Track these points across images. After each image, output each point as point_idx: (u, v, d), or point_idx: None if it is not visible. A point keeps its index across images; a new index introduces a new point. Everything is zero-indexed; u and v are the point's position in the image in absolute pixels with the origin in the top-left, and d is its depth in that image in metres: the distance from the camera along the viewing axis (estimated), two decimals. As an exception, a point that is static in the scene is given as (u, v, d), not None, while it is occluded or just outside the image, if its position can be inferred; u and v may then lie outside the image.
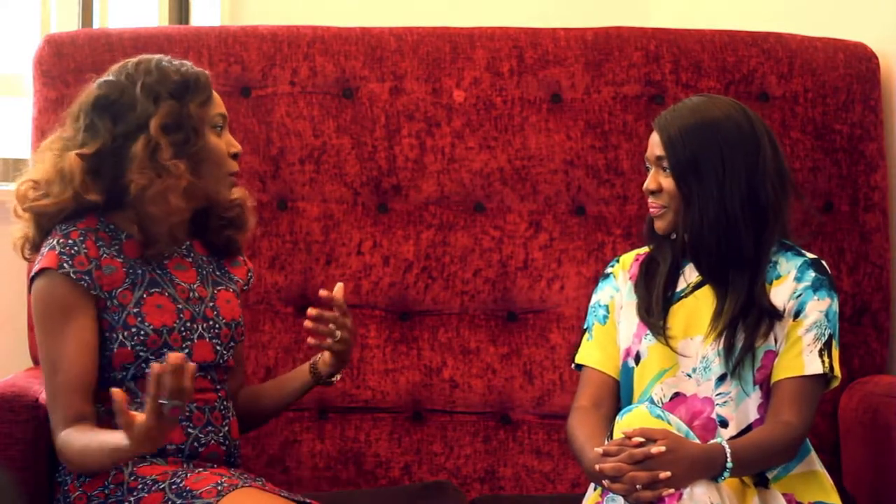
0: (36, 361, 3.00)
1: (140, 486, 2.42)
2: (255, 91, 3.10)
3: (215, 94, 2.58)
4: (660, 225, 2.61)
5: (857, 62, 3.14)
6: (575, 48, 3.14)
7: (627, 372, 2.63)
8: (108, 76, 2.54)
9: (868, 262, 3.11)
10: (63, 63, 3.05)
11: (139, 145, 2.47)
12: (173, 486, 2.40)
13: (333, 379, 2.66)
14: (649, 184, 2.60)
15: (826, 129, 3.13)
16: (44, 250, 2.50)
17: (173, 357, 2.16)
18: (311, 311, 2.54)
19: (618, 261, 2.73)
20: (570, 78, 3.13)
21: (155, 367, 2.17)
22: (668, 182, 2.58)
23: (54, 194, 2.50)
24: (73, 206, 2.51)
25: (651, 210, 2.62)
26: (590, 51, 3.14)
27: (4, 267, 3.16)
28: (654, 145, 2.60)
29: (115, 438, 2.28)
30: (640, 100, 3.13)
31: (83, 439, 2.40)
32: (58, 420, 2.46)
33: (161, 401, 2.17)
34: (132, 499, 2.41)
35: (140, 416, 2.20)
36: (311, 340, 2.57)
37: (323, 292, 2.55)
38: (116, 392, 2.17)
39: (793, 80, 3.14)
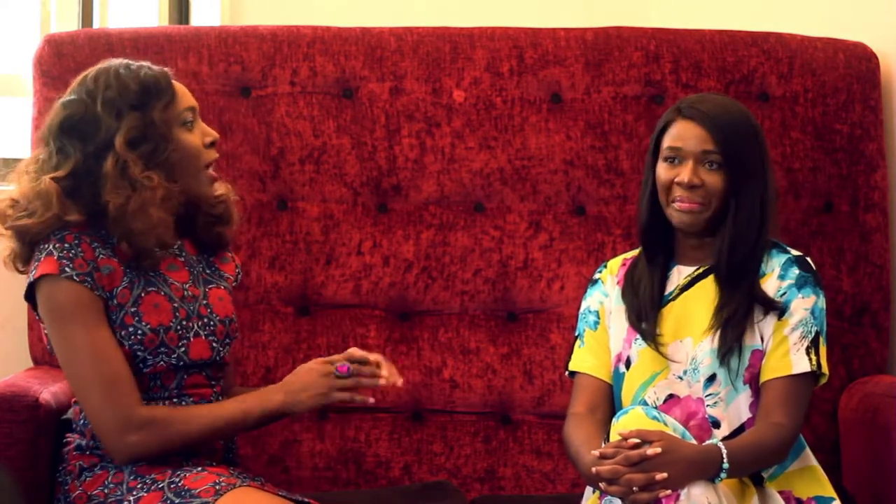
0: (36, 361, 3.01)
1: (139, 486, 2.43)
2: (255, 91, 3.10)
3: (180, 89, 2.53)
4: (691, 220, 2.54)
5: (857, 62, 3.14)
6: (575, 48, 3.14)
7: (619, 377, 2.62)
8: (70, 94, 2.51)
9: (868, 262, 3.11)
10: (63, 63, 3.05)
11: (109, 164, 2.44)
12: (172, 485, 2.40)
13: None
14: (691, 178, 2.52)
15: (826, 129, 3.13)
16: (40, 256, 2.47)
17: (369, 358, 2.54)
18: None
19: (605, 266, 2.72)
20: (570, 78, 3.13)
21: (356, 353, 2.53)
22: (712, 178, 2.52)
23: (37, 214, 2.47)
24: (56, 225, 2.47)
25: (687, 205, 2.53)
26: (590, 51, 3.14)
27: (4, 267, 3.15)
28: (698, 139, 2.53)
29: (259, 393, 2.52)
30: (640, 100, 3.13)
31: (192, 408, 2.47)
32: (129, 402, 2.43)
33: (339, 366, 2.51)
34: (131, 498, 2.41)
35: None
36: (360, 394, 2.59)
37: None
38: None
39: (793, 80, 3.13)
